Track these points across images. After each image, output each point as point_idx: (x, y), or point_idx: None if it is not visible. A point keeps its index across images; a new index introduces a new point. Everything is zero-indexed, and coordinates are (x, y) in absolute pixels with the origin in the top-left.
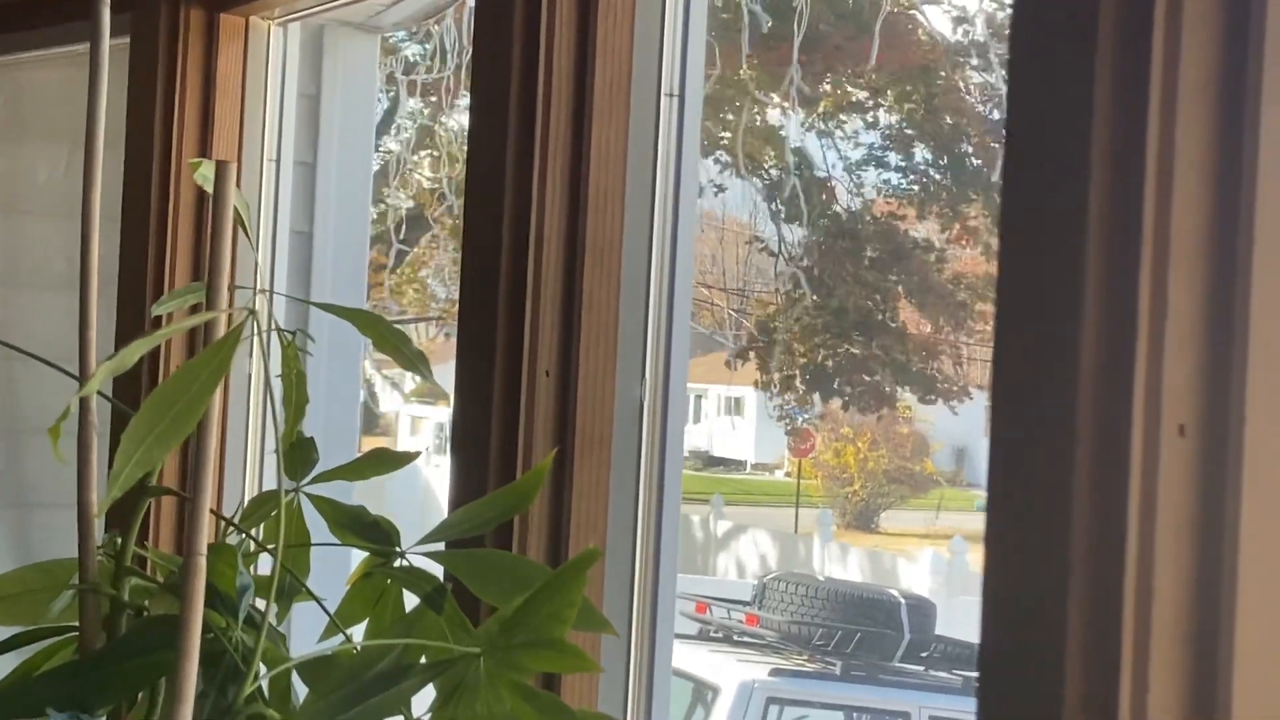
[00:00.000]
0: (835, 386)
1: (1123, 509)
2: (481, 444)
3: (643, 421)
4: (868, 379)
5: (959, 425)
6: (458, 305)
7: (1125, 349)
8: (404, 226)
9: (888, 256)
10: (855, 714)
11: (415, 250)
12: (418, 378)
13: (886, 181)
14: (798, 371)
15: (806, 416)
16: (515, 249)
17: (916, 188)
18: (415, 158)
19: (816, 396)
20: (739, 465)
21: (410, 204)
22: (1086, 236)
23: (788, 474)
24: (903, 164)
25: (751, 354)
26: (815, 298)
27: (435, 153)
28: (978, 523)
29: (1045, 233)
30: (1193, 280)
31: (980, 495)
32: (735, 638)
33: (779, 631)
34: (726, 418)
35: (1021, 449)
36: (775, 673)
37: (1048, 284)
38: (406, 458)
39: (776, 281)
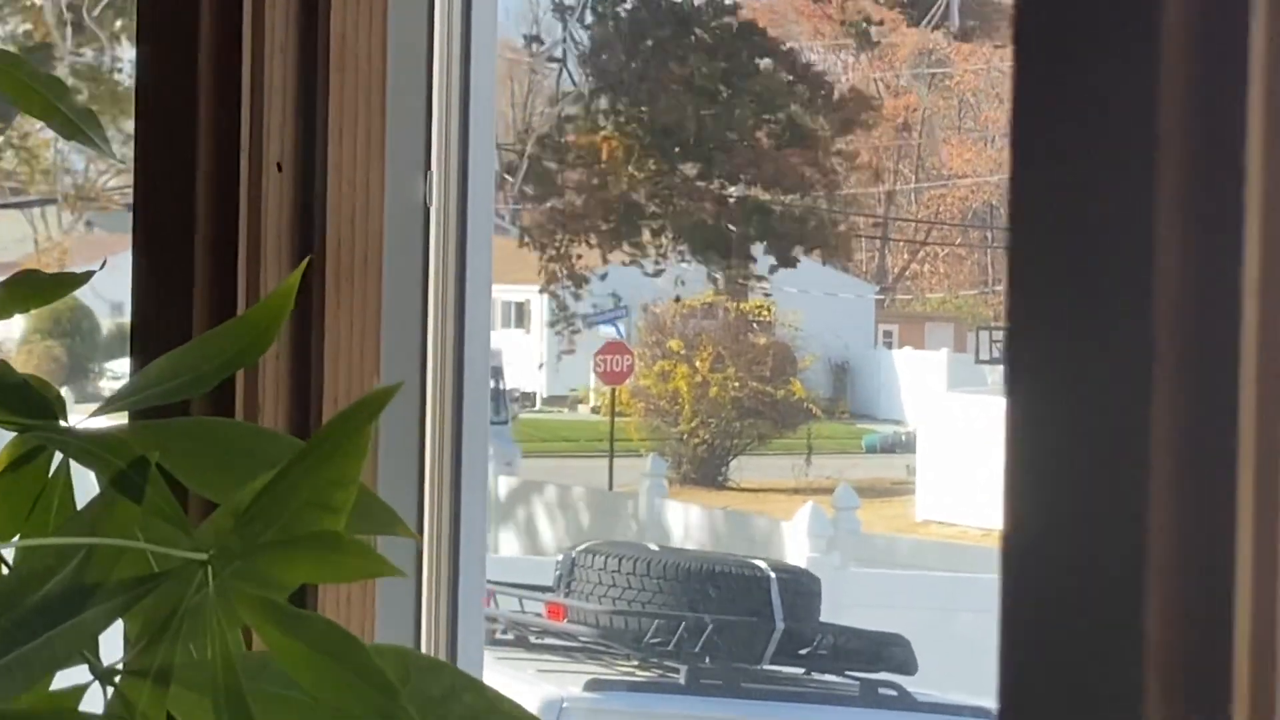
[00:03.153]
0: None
1: (1231, 461)
2: (179, 272)
3: (429, 234)
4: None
5: (840, 325)
6: (136, 62)
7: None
8: None
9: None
10: None
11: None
12: None
13: None
14: (599, 244)
15: (618, 317)
16: None
17: None
18: None
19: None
20: (526, 400)
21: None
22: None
23: (596, 409)
24: None
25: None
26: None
27: None
28: (872, 467)
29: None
30: None
31: (873, 429)
32: (533, 639)
33: (596, 627)
34: (506, 331)
35: (1067, 373)
36: (594, 685)
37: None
38: (72, 281)
39: (561, 104)
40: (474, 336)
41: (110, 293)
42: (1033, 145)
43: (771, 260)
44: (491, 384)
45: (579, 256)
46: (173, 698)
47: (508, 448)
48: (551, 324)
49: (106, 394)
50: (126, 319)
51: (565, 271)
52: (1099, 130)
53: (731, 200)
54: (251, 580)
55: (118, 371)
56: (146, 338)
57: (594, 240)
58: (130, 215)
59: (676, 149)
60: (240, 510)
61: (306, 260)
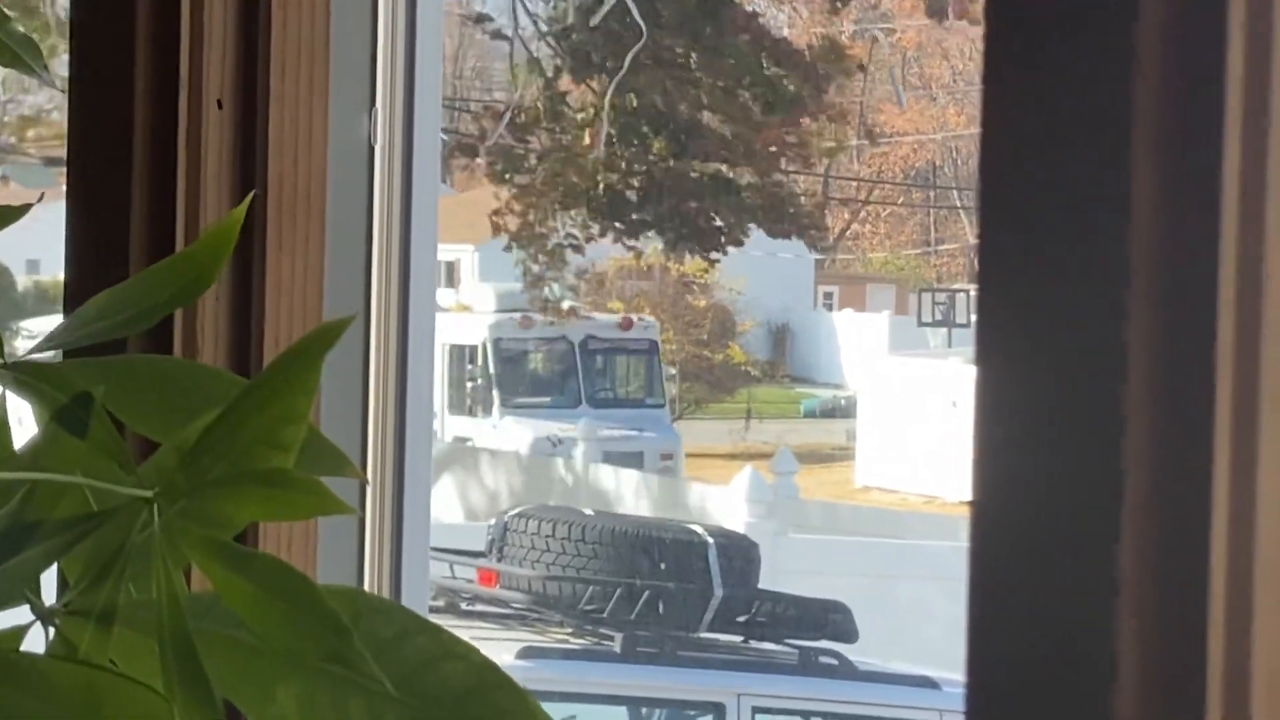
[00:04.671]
0: (614, 222)
1: (1207, 442)
2: (116, 205)
3: (373, 170)
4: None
5: (779, 287)
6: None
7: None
8: None
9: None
10: (646, 708)
11: None
12: None
13: None
14: (554, 209)
15: (556, 279)
16: None
17: None
18: None
19: (571, 254)
20: None
21: None
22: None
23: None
24: None
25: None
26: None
27: None
28: (811, 432)
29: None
30: None
31: (813, 393)
32: (464, 606)
33: (529, 593)
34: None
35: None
36: (526, 653)
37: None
38: (9, 214)
39: (514, 73)
40: (419, 276)
41: (26, 250)
42: (1005, 100)
43: (735, 234)
44: (647, 360)
45: (551, 227)
46: (116, 639)
47: (665, 434)
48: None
49: (22, 354)
50: (43, 276)
51: (529, 241)
52: (1073, 83)
53: (696, 174)
54: (198, 519)
55: (33, 330)
56: (82, 279)
57: (560, 212)
58: (49, 168)
59: (639, 121)
60: (186, 447)
61: (251, 195)
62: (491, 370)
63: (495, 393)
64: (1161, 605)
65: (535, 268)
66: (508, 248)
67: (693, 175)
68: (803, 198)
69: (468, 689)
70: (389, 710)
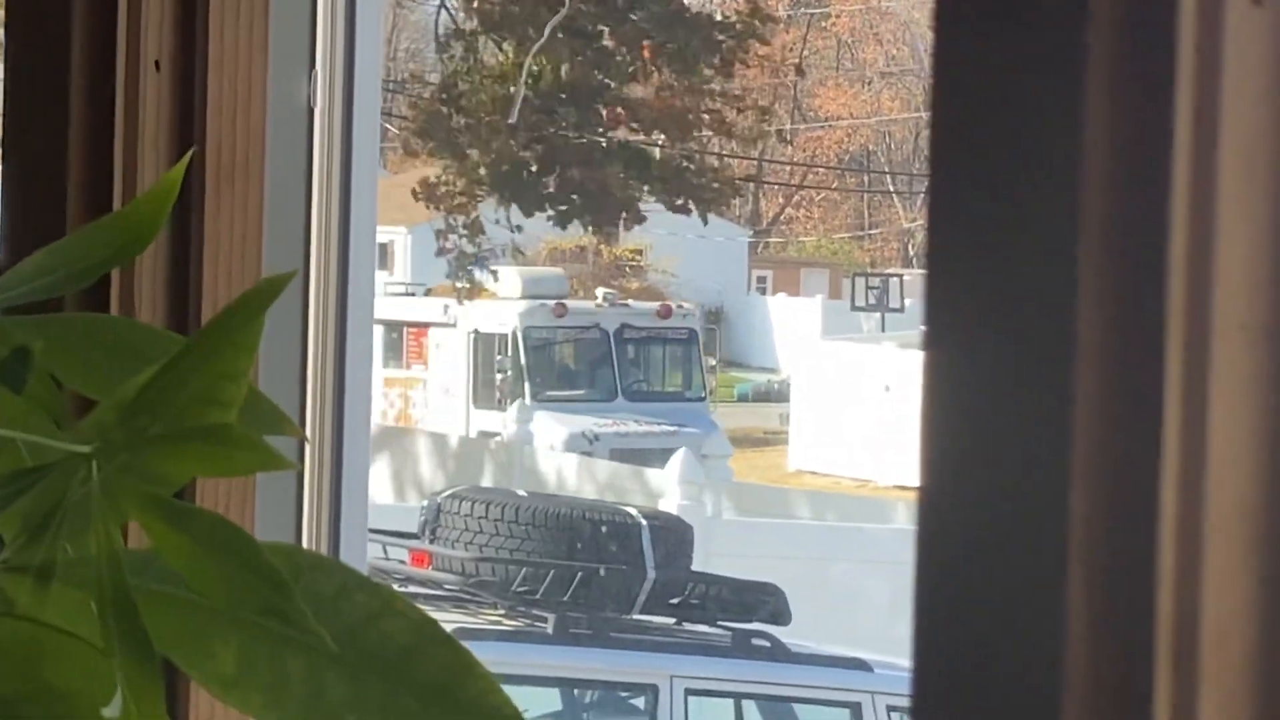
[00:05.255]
0: (540, 193)
1: (1156, 435)
2: (53, 165)
3: (312, 134)
4: (586, 184)
5: (713, 270)
6: None
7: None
8: None
9: None
10: (579, 689)
11: None
12: None
13: None
14: (481, 185)
15: (486, 260)
16: None
17: None
18: None
19: (504, 234)
20: None
21: None
22: None
23: None
24: None
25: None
26: (504, 56)
27: None
28: (745, 416)
29: None
30: None
31: (746, 377)
32: (396, 587)
33: (462, 575)
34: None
35: (979, 326)
36: (459, 635)
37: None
38: None
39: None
40: (359, 236)
41: None
42: (954, 81)
43: (658, 210)
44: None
45: (474, 203)
46: (55, 596)
47: (707, 430)
48: (450, 276)
49: None
50: None
51: (462, 222)
52: (1024, 58)
53: (614, 147)
54: (137, 475)
55: None
56: (19, 237)
57: (485, 189)
58: None
59: (562, 94)
60: (125, 404)
61: (190, 153)
62: (523, 361)
63: (527, 385)
64: (1110, 580)
65: (470, 247)
66: (444, 230)
67: (613, 149)
68: (729, 173)
69: (408, 646)
70: (329, 667)
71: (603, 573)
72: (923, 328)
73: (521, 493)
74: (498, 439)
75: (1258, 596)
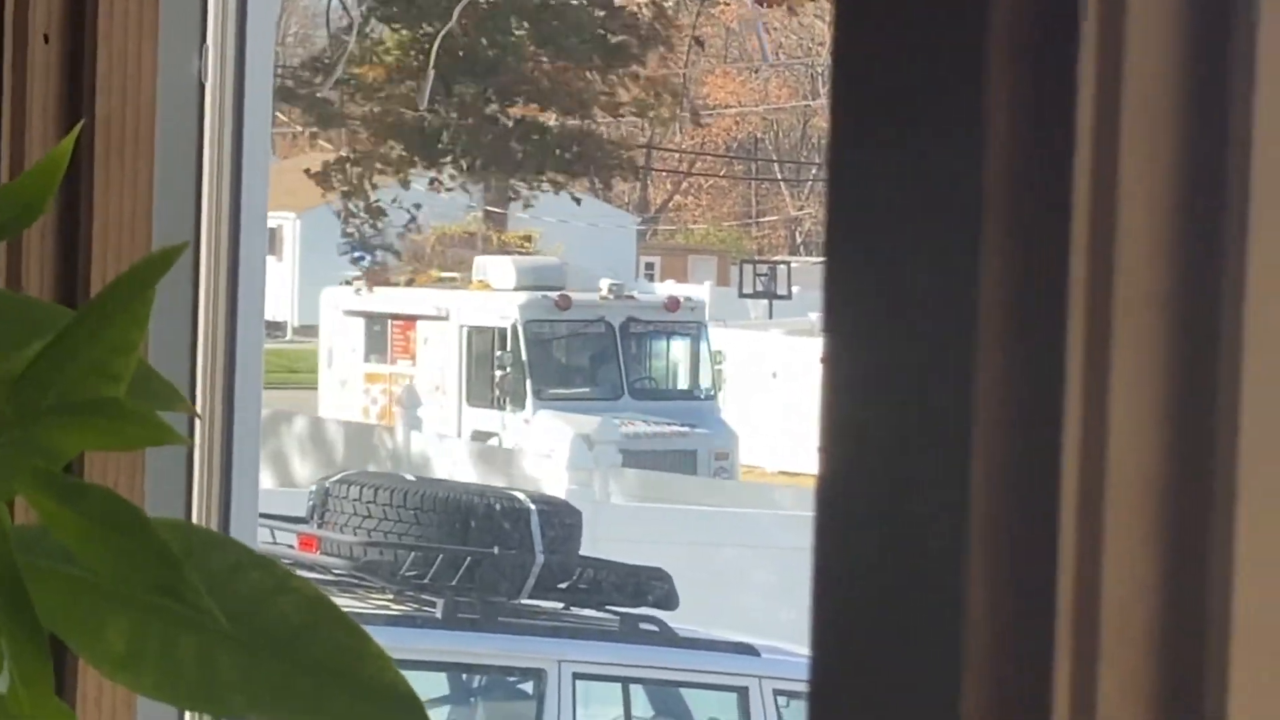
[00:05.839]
0: (439, 175)
1: (1057, 413)
2: None
3: (203, 107)
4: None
5: (602, 256)
6: None
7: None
8: None
9: None
10: (466, 674)
11: None
12: None
13: None
14: (376, 169)
15: (375, 241)
16: None
17: None
18: None
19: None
20: (277, 330)
21: None
22: None
23: None
24: None
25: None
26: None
27: None
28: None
29: None
30: None
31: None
32: None
33: (350, 559)
34: None
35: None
36: None
37: None
38: None
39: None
40: (250, 213)
41: None
42: (855, 61)
43: (551, 189)
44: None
45: (373, 186)
46: None
47: (718, 430)
48: (355, 261)
49: None
50: None
51: (361, 206)
52: (925, 46)
53: (512, 124)
54: (27, 450)
55: None
56: None
57: (385, 170)
58: None
59: (459, 72)
60: (14, 378)
61: (79, 126)
62: (525, 357)
63: (529, 383)
64: (1011, 557)
65: (369, 231)
66: (345, 214)
67: (512, 129)
68: (628, 147)
69: (302, 624)
70: (222, 645)
71: (491, 557)
72: (821, 309)
73: (410, 477)
74: (493, 441)
75: (1159, 572)
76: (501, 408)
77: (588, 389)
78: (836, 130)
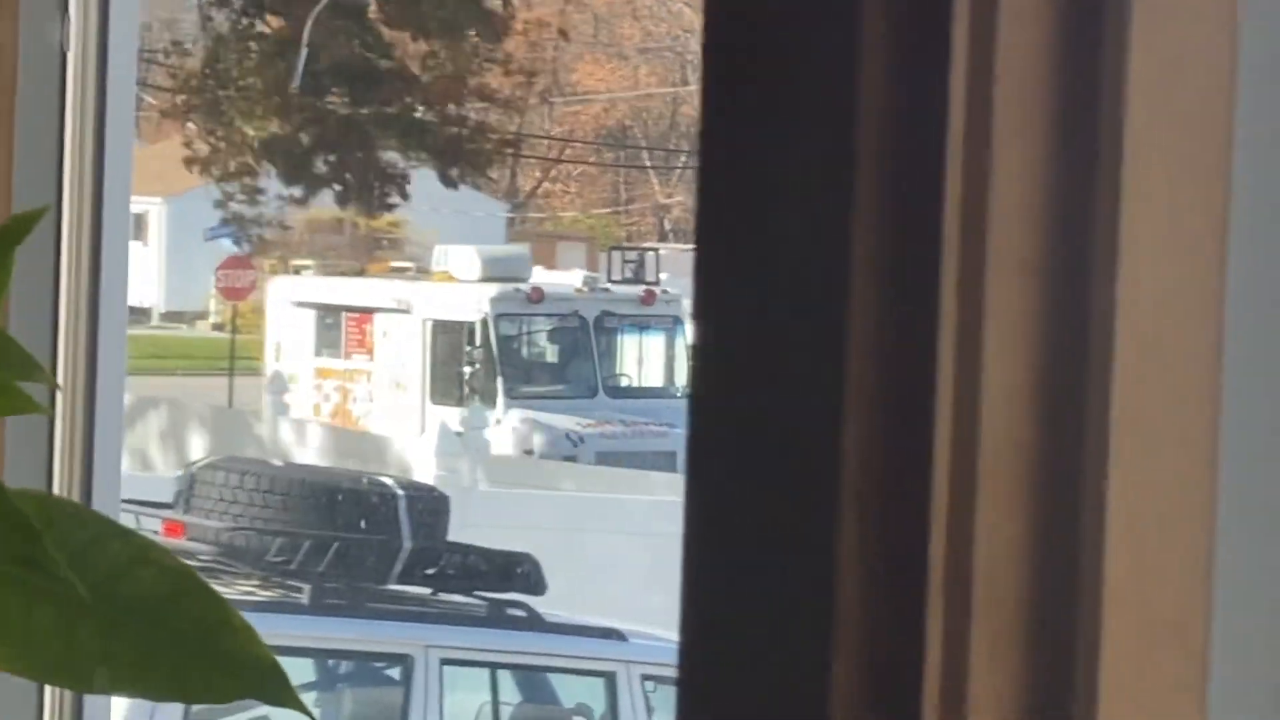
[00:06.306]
0: (318, 170)
1: (930, 383)
2: None
3: (65, 76)
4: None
5: (472, 242)
6: None
7: None
8: None
9: None
10: (333, 660)
11: None
12: None
13: None
14: (247, 153)
15: (253, 219)
16: None
17: None
18: None
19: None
20: (141, 315)
21: None
22: None
23: (218, 326)
24: None
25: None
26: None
27: None
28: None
29: None
30: None
31: None
32: None
33: (216, 544)
34: None
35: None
36: None
37: None
38: None
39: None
40: (114, 181)
41: None
42: (728, 23)
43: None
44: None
45: (243, 171)
46: None
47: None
48: (237, 242)
49: None
50: None
51: (239, 186)
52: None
53: (384, 116)
54: None
55: None
56: None
57: (255, 158)
58: None
59: (332, 62)
60: None
61: None
62: (495, 353)
63: (499, 381)
64: (883, 520)
65: (249, 212)
66: (225, 200)
67: (383, 117)
68: (501, 135)
69: (164, 596)
70: (82, 617)
71: (359, 543)
72: (692, 283)
73: (277, 462)
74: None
75: (1031, 535)
76: (466, 406)
77: (562, 387)
78: (709, 95)
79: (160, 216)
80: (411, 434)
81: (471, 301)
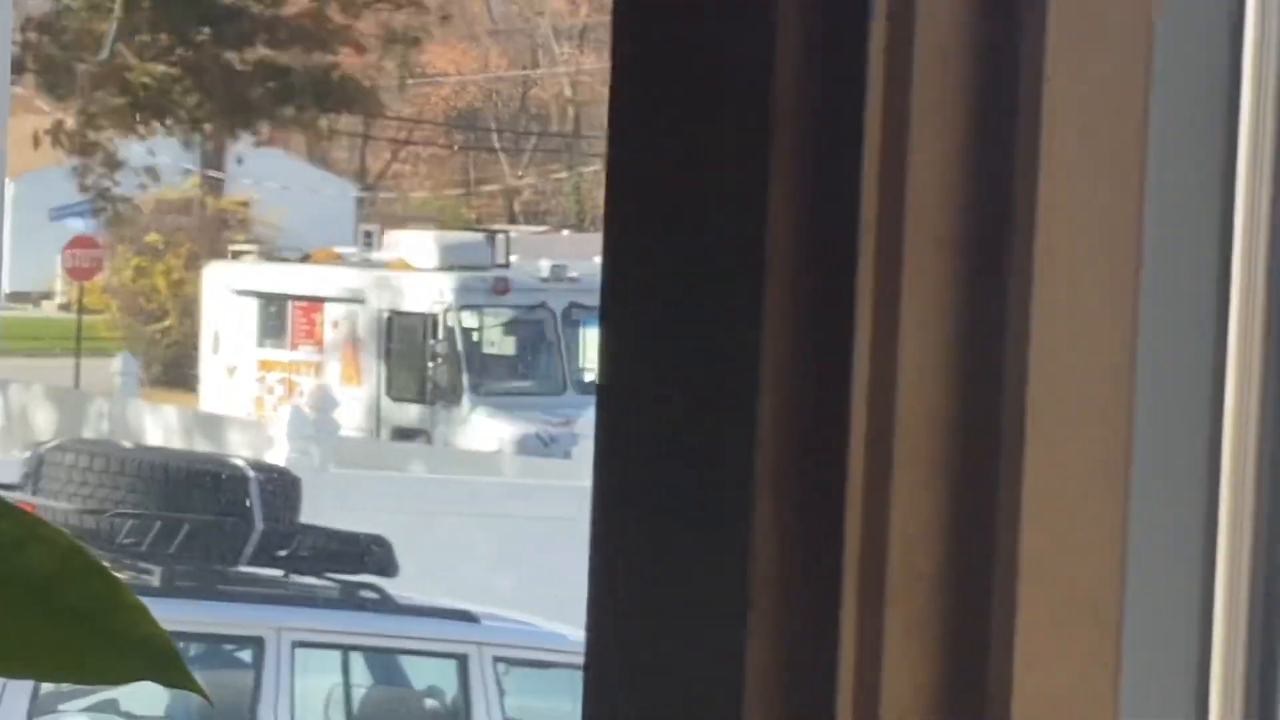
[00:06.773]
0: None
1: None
2: None
3: None
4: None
5: (320, 223)
6: None
7: None
8: None
9: None
10: (184, 643)
11: None
12: None
13: None
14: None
15: (86, 211)
16: None
17: None
18: None
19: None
20: None
21: None
22: None
23: (65, 306)
24: None
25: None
26: None
27: None
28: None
29: None
30: None
31: None
32: None
33: (66, 526)
34: None
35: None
36: None
37: None
38: None
39: None
40: None
41: None
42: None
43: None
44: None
45: (109, 140)
46: None
47: None
48: (96, 213)
49: None
50: None
51: (100, 159)
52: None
53: (252, 68)
54: None
55: None
56: None
57: (113, 127)
58: None
59: (186, 17)
60: None
61: None
62: (459, 347)
63: (465, 377)
64: (799, 498)
65: (111, 186)
66: (82, 170)
67: (251, 70)
68: (370, 83)
69: (53, 574)
70: None
71: (209, 525)
72: (602, 260)
73: (127, 444)
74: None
75: (944, 513)
76: (430, 403)
77: (529, 383)
78: (621, 69)
79: (5, 195)
80: (367, 434)
81: (432, 292)
